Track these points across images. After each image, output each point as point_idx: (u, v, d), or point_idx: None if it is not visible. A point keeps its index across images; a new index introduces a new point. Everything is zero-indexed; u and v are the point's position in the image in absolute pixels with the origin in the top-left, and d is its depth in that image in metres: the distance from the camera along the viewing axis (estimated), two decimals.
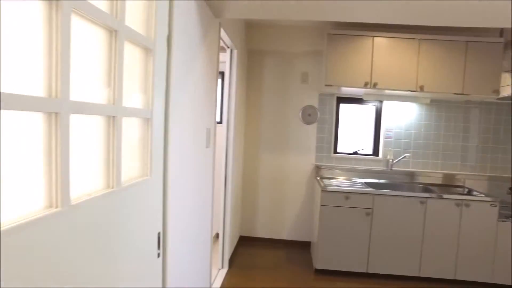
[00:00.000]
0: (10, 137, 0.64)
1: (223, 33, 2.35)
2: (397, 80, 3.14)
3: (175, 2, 1.35)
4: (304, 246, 3.78)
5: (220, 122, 3.43)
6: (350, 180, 3.56)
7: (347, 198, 3.03)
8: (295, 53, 3.68)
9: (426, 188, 3.38)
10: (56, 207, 0.75)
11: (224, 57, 2.85)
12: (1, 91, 0.59)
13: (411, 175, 3.60)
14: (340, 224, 3.05)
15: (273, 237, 3.85)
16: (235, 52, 2.92)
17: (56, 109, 0.73)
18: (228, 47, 2.83)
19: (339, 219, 3.05)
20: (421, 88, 3.12)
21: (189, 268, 1.84)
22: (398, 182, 3.55)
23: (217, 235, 3.29)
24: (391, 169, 3.61)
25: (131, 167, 1.12)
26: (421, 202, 2.98)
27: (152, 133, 1.20)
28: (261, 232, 3.87)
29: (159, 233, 1.31)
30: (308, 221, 3.81)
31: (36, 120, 0.71)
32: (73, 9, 0.76)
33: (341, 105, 3.76)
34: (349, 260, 3.07)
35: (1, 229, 0.59)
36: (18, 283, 0.64)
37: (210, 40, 2.01)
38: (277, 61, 3.70)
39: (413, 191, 3.25)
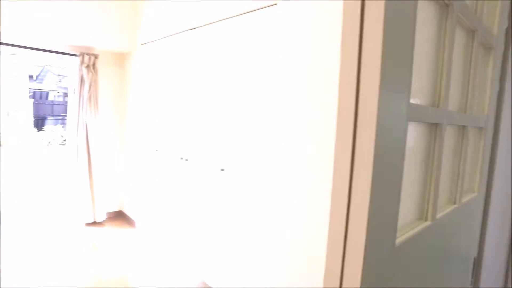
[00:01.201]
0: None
1: None
2: None
3: None
4: None
5: None
6: None
7: None
8: None
9: None
10: (426, 220, 0.72)
11: None
12: (413, 102, 0.59)
13: None
14: None
15: None
16: None
17: (438, 120, 0.69)
18: None
19: None
20: None
21: None
22: None
23: None
24: None
25: None
26: None
27: (485, 144, 1.04)
28: None
29: (474, 259, 1.14)
30: None
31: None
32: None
33: None
34: None
35: (401, 238, 0.60)
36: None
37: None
38: None
39: None
